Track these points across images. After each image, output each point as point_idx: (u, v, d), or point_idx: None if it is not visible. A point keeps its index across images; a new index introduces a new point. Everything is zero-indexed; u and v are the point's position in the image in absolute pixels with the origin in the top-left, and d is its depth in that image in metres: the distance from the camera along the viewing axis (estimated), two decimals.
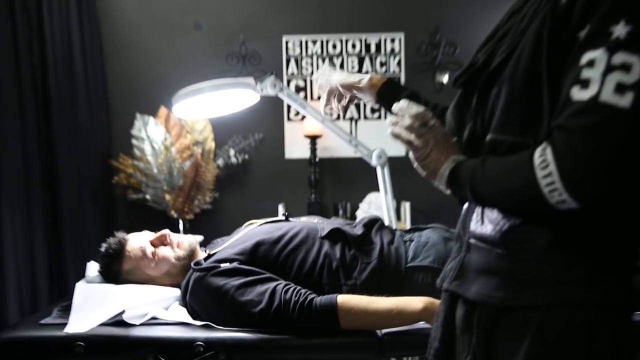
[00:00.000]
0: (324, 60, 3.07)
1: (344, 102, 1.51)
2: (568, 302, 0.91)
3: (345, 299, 1.46)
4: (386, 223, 1.82)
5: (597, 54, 0.82)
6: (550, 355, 0.91)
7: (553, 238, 0.91)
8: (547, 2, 0.91)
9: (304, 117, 2.97)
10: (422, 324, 1.43)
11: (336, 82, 1.52)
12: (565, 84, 0.85)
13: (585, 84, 0.82)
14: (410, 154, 1.06)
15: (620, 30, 0.81)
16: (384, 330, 1.46)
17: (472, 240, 1.02)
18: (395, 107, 1.08)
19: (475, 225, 1.02)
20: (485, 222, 0.99)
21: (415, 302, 1.45)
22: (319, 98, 2.96)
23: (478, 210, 1.02)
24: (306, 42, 3.07)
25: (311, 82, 3.06)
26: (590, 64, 0.82)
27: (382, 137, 1.13)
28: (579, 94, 0.82)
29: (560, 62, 0.87)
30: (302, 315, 1.45)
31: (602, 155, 0.81)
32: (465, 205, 1.07)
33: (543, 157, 0.84)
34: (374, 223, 1.74)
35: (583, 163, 0.82)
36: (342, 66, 3.06)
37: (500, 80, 0.95)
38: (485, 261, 0.98)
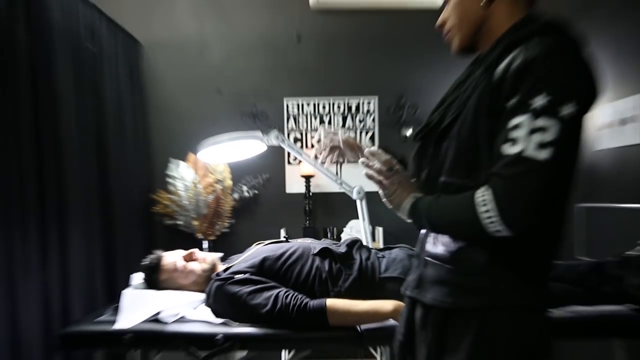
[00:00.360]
0: (316, 118, 3.08)
1: (339, 158, 1.50)
2: (501, 306, 0.91)
3: (332, 303, 1.47)
4: (364, 243, 1.82)
5: (523, 119, 0.83)
6: (487, 347, 0.91)
7: (489, 256, 0.92)
8: (484, 79, 0.92)
9: (300, 162, 2.96)
10: (391, 322, 1.44)
11: (340, 139, 1.49)
12: (498, 142, 0.86)
13: (514, 141, 0.83)
14: (380, 191, 1.07)
15: (540, 101, 0.82)
16: (363, 326, 1.47)
17: (428, 258, 1.02)
18: (368, 151, 1.09)
19: (430, 247, 1.02)
20: (438, 244, 1.00)
21: (386, 305, 1.47)
22: (312, 147, 3.02)
23: (432, 235, 1.02)
24: (302, 104, 3.08)
25: (306, 134, 3.06)
26: (518, 126, 0.83)
27: (360, 178, 1.15)
28: (509, 149, 0.84)
29: (494, 125, 0.88)
30: (298, 315, 1.45)
31: (528, 196, 0.82)
32: (423, 231, 1.08)
33: (483, 197, 0.85)
34: (354, 243, 1.75)
35: (514, 202, 0.82)
36: (329, 122, 3.08)
37: (449, 136, 0.96)
38: (438, 274, 0.99)
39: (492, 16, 0.97)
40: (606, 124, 2.25)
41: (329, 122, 3.09)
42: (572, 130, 0.84)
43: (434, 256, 1.00)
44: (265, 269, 1.61)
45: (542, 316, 0.94)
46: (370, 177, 1.08)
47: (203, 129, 2.90)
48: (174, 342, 1.46)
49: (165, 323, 1.51)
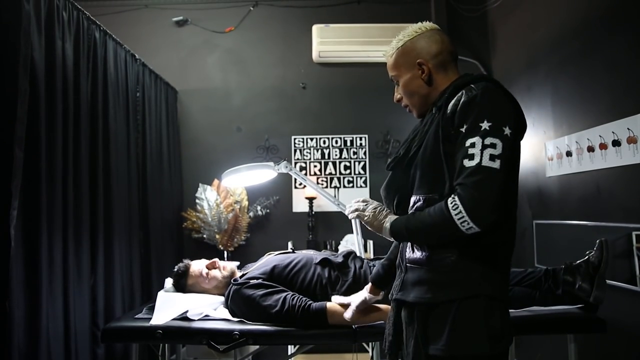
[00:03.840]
0: (318, 151, 3.08)
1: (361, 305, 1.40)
2: (471, 295, 0.91)
3: (331, 305, 1.45)
4: (358, 254, 1.80)
5: (476, 139, 0.89)
6: (462, 332, 0.91)
7: (458, 255, 0.93)
8: (439, 114, 0.97)
9: (304, 186, 2.97)
10: (381, 322, 1.41)
11: (366, 299, 1.38)
12: (458, 159, 0.90)
13: (471, 157, 0.88)
14: (364, 222, 1.09)
15: (485, 124, 0.89)
16: (357, 325, 1.44)
17: (408, 264, 1.02)
18: (349, 209, 1.12)
19: (409, 254, 1.03)
20: (415, 251, 1.01)
21: (376, 307, 1.44)
22: (314, 174, 3.02)
23: (409, 244, 1.03)
24: (307, 139, 3.10)
25: (310, 164, 3.07)
26: (472, 145, 0.88)
27: (355, 199, 1.16)
28: (469, 163, 0.88)
29: (450, 147, 0.93)
30: (303, 315, 1.43)
31: (489, 197, 0.86)
32: (402, 243, 1.08)
33: (454, 203, 0.88)
34: (350, 254, 1.73)
35: (479, 203, 0.86)
36: (328, 155, 3.08)
37: (415, 163, 1.01)
38: (417, 276, 0.99)
39: (434, 86, 1.04)
40: (554, 155, 2.26)
41: (328, 155, 3.09)
42: (511, 147, 0.90)
43: (413, 261, 1.00)
44: (275, 276, 1.60)
45: (504, 303, 0.95)
46: (352, 215, 1.11)
47: (225, 160, 2.94)
48: (198, 337, 1.44)
49: (191, 320, 1.49)
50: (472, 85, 0.94)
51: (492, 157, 0.87)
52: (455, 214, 0.87)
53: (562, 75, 2.21)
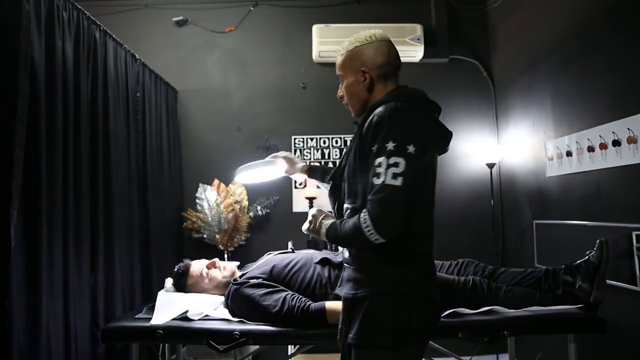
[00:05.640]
0: (317, 150, 3.09)
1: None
2: (383, 293, 1.02)
3: (330, 305, 1.46)
4: None
5: (382, 159, 0.98)
6: (371, 325, 1.01)
7: (374, 258, 1.04)
8: (356, 132, 1.08)
9: (305, 186, 2.97)
10: None
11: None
12: (370, 176, 1.00)
13: (378, 175, 0.98)
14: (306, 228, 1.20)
15: (390, 145, 0.98)
16: None
17: (344, 264, 1.14)
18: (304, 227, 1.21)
19: (345, 254, 1.14)
20: (345, 252, 1.13)
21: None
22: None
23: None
24: (307, 139, 3.10)
25: (310, 163, 3.08)
26: (379, 164, 0.98)
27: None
28: (376, 181, 0.98)
29: (365, 163, 1.03)
30: (302, 315, 1.44)
31: (392, 212, 0.96)
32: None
33: (364, 217, 0.98)
34: None
35: (383, 219, 0.96)
36: (328, 155, 3.08)
37: (344, 175, 1.12)
38: (348, 274, 1.11)
39: (373, 94, 1.13)
40: (554, 155, 2.26)
41: (328, 155, 3.09)
42: (415, 164, 0.99)
43: (346, 261, 1.13)
44: (275, 275, 1.60)
45: (421, 301, 1.03)
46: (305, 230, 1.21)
47: (225, 160, 2.96)
48: (198, 337, 1.44)
49: (191, 320, 1.49)
50: (383, 107, 1.03)
51: (395, 176, 0.96)
52: (365, 227, 0.98)
53: (563, 75, 2.20)
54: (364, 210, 1.00)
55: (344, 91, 1.18)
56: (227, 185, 2.86)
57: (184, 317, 1.50)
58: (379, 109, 1.03)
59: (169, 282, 1.83)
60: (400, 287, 1.02)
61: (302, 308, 1.44)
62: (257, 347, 1.71)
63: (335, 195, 1.17)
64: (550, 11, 2.32)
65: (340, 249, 1.31)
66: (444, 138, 1.13)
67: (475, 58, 3.05)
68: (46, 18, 1.48)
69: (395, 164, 0.97)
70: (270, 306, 1.46)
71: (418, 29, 2.87)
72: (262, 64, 3.11)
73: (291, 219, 3.03)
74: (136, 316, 1.56)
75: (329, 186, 1.21)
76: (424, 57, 2.94)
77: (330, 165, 3.10)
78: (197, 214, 2.79)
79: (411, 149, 0.98)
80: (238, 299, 1.54)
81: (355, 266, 1.08)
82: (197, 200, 2.80)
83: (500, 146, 2.92)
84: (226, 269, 1.77)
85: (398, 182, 0.96)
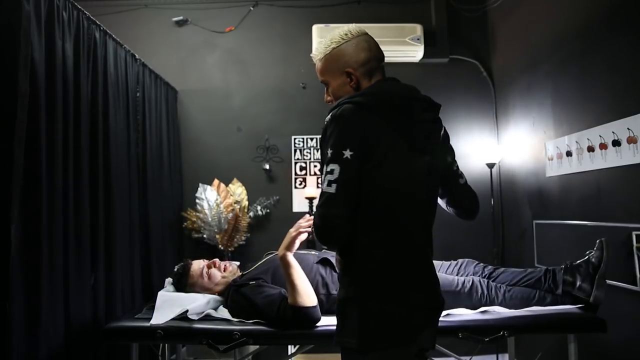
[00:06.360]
0: (318, 151, 3.07)
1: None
2: (351, 297, 1.01)
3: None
4: None
5: (324, 166, 0.98)
6: (344, 326, 1.01)
7: (345, 262, 1.04)
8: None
9: (304, 186, 2.97)
10: None
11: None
12: None
13: (322, 182, 0.97)
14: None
15: (329, 152, 0.97)
16: None
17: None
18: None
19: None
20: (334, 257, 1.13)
21: None
22: (314, 174, 3.02)
23: None
24: (307, 139, 3.09)
25: (310, 163, 3.06)
26: (321, 171, 0.99)
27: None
28: (322, 187, 0.97)
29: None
30: (300, 319, 1.44)
31: (327, 220, 0.95)
32: None
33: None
34: None
35: (320, 226, 0.96)
36: None
37: None
38: (338, 276, 1.11)
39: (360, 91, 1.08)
40: (554, 155, 2.26)
41: None
42: (351, 168, 0.96)
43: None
44: (275, 276, 1.60)
45: (389, 307, 0.98)
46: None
47: (225, 160, 2.96)
48: (198, 337, 1.44)
49: (191, 320, 1.49)
50: (330, 113, 1.01)
51: (329, 183, 0.95)
52: (315, 234, 0.99)
53: (563, 74, 2.21)
54: None
55: (331, 96, 1.12)
56: (227, 185, 2.86)
57: (184, 317, 1.50)
58: (329, 114, 1.02)
59: (169, 281, 1.83)
60: (365, 292, 0.99)
61: (300, 311, 1.44)
62: (257, 347, 1.71)
63: None
64: (550, 11, 2.32)
65: None
66: (370, 143, 0.98)
67: (475, 58, 3.05)
68: (46, 18, 1.48)
69: (331, 171, 0.95)
70: (270, 307, 1.46)
71: (418, 29, 2.86)
72: (262, 64, 3.11)
73: (291, 219, 2.99)
74: (136, 316, 1.56)
75: None
76: (424, 57, 2.94)
77: None
78: (197, 214, 2.79)
79: (347, 153, 0.95)
80: (238, 300, 1.55)
81: (339, 269, 1.10)
82: (197, 200, 2.80)
83: (500, 146, 2.92)
84: (226, 269, 1.77)
85: (332, 189, 0.94)
